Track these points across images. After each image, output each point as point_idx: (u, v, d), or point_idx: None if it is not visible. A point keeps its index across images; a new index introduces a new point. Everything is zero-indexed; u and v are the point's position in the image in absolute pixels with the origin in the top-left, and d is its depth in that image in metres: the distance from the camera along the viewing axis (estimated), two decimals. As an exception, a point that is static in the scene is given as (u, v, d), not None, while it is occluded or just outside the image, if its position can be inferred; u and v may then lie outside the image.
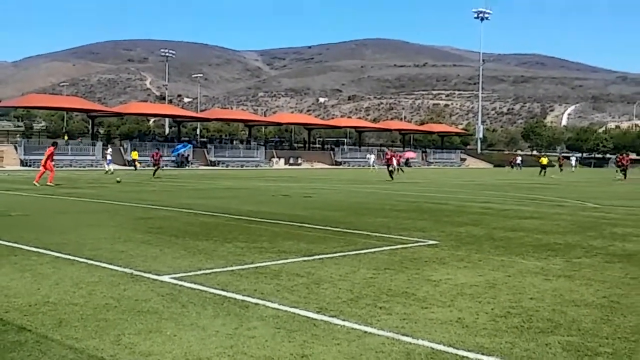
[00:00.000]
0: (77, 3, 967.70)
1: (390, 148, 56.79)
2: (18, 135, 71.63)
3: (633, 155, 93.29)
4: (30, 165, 52.01)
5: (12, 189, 22.98)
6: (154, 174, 36.51)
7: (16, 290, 6.33)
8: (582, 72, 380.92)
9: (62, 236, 10.19)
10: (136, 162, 50.86)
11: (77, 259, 8.10)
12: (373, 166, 58.70)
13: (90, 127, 71.45)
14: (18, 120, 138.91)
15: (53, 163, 27.99)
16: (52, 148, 28.69)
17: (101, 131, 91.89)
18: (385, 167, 38.48)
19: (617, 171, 49.30)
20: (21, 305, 5.72)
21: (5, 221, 12.35)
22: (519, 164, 75.56)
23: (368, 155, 60.40)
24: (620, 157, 49.70)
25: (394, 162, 37.65)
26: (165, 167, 50.44)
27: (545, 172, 52.27)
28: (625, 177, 42.47)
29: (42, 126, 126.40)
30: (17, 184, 26.56)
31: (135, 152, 52.99)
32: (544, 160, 55.70)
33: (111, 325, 5.12)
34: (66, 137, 65.68)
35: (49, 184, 25.49)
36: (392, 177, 35.65)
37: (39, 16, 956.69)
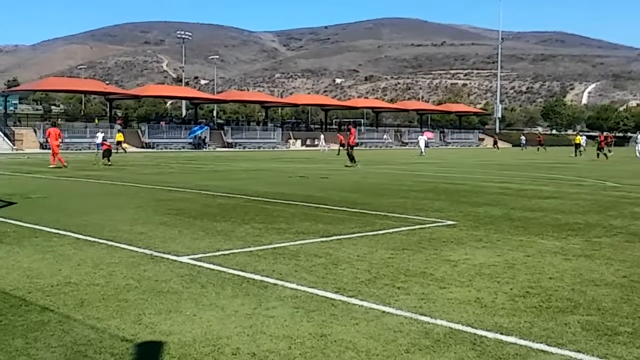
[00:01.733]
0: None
1: (348, 125, 49.45)
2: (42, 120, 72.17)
3: None
4: (49, 148, 52.51)
5: (32, 172, 23.23)
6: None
7: (38, 271, 6.42)
8: (603, 50, 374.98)
9: (82, 218, 10.30)
10: (123, 145, 47.50)
11: (97, 240, 8.19)
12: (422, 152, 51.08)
13: (107, 109, 71.82)
14: (37, 104, 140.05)
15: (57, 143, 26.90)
16: (52, 129, 27.90)
17: (119, 114, 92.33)
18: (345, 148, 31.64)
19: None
20: (43, 285, 5.81)
21: (25, 203, 12.50)
22: (524, 143, 72.74)
23: (420, 137, 55.23)
24: (602, 136, 47.82)
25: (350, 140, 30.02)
26: (182, 149, 50.58)
27: (580, 152, 47.86)
28: (606, 157, 39.93)
29: (61, 109, 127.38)
30: (36, 167, 26.84)
31: (121, 134, 49.46)
32: (579, 139, 52.37)
33: (132, 306, 5.18)
34: (96, 120, 66.04)
35: (51, 166, 25.42)
36: (352, 161, 28.88)
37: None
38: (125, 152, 46.58)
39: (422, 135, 58.50)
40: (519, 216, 11.04)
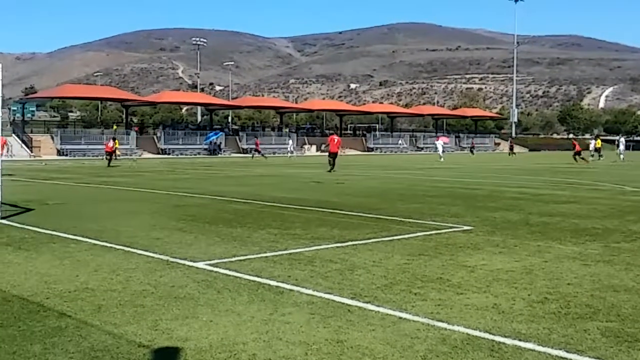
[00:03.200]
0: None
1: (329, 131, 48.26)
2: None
3: None
4: (66, 155, 53.01)
5: (49, 178, 23.44)
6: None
7: (56, 277, 6.46)
8: (620, 53, 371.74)
9: (99, 224, 10.36)
10: (116, 151, 44.51)
11: (114, 246, 8.23)
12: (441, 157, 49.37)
13: (124, 116, 72.36)
14: (54, 111, 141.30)
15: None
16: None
17: (135, 120, 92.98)
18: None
19: (592, 155, 48.30)
20: (61, 291, 5.84)
21: (43, 210, 12.60)
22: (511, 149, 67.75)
23: (437, 142, 53.81)
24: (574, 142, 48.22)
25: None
26: (197, 155, 50.80)
27: (600, 155, 47.30)
28: (585, 161, 39.75)
29: (77, 116, 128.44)
30: (54, 173, 27.08)
31: (117, 141, 46.16)
32: (599, 143, 52.44)
33: (148, 311, 5.20)
34: (115, 127, 66.54)
35: None
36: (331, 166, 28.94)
37: (73, 7, 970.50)
38: (117, 158, 46.43)
39: (437, 140, 57.46)
40: (537, 221, 10.95)
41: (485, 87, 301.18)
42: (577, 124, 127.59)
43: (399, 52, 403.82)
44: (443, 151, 59.89)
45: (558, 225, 10.42)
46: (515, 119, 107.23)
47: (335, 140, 30.98)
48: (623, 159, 46.21)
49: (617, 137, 67.63)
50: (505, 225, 10.38)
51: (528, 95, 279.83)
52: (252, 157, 51.34)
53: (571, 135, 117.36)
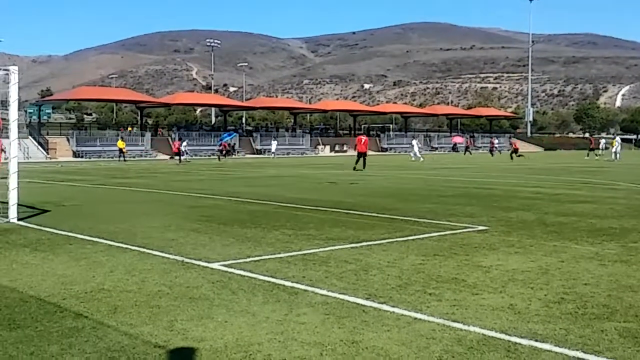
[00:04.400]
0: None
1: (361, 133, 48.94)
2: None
3: None
4: (82, 157, 53.42)
5: (66, 180, 23.63)
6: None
7: (72, 278, 6.51)
8: (636, 51, 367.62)
9: (114, 225, 10.43)
10: (123, 152, 48.43)
11: (129, 247, 8.28)
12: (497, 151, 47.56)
13: (139, 117, 72.79)
14: (70, 113, 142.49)
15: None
16: None
17: (149, 122, 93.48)
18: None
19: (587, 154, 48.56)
20: (77, 292, 5.89)
21: (59, 211, 12.70)
22: (497, 148, 65.21)
23: (414, 141, 53.16)
24: (514, 142, 48.12)
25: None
26: (212, 156, 50.97)
27: (617, 155, 47.24)
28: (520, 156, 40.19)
29: (93, 118, 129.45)
30: (70, 175, 27.30)
31: (122, 142, 49.88)
32: (615, 143, 52.57)
33: (164, 312, 5.22)
34: (130, 128, 67.07)
35: None
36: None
37: (88, 10, 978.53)
38: (125, 160, 47.08)
39: (414, 139, 55.16)
40: (552, 221, 10.87)
41: (500, 87, 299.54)
42: (593, 123, 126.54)
43: (413, 52, 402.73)
44: (456, 150, 59.60)
45: (574, 225, 10.34)
46: (531, 118, 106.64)
47: (363, 140, 31.83)
48: (619, 158, 46.04)
49: (633, 137, 66.81)
50: (521, 225, 10.31)
51: (543, 94, 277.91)
52: (219, 159, 49.24)
53: (587, 135, 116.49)
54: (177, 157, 42.66)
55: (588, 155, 51.10)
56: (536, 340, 4.48)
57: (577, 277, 6.49)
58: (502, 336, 4.58)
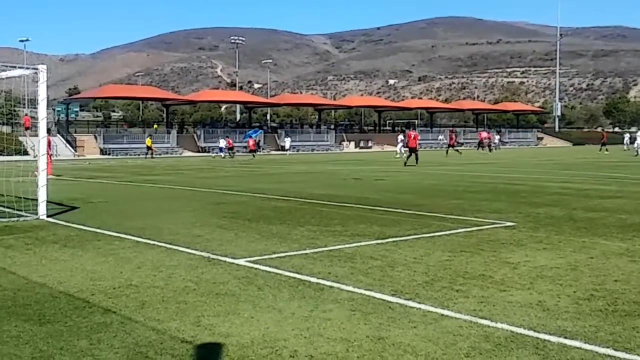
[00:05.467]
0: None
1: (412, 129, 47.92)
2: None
3: None
4: (109, 154, 54.04)
5: (93, 177, 23.92)
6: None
7: (101, 273, 6.59)
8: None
9: (141, 221, 10.53)
10: (151, 150, 49.40)
11: (156, 243, 8.35)
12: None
13: (164, 115, 73.39)
14: (97, 111, 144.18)
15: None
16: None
17: (175, 119, 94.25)
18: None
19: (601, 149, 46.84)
20: (106, 288, 5.95)
21: (88, 208, 12.87)
22: (495, 143, 65.00)
23: (399, 137, 49.75)
24: (452, 136, 47.25)
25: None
26: (237, 153, 51.25)
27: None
28: (459, 153, 39.76)
29: (119, 115, 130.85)
30: (97, 172, 27.64)
31: (149, 139, 50.74)
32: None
33: (191, 308, 5.25)
34: (156, 126, 67.71)
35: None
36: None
37: (114, 9, 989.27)
38: (153, 157, 47.68)
39: (401, 135, 52.74)
40: (581, 217, 10.72)
41: (527, 81, 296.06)
42: (623, 117, 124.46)
43: (438, 47, 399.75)
44: (482, 146, 58.74)
45: (604, 221, 10.17)
46: (559, 113, 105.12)
47: (413, 135, 32.43)
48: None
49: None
50: (549, 221, 10.18)
51: (572, 88, 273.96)
52: (224, 157, 49.05)
53: (617, 129, 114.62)
54: (252, 153, 46.96)
55: (600, 150, 50.23)
56: (565, 338, 4.42)
57: (607, 274, 6.39)
58: (531, 333, 4.52)
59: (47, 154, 24.08)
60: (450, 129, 75.25)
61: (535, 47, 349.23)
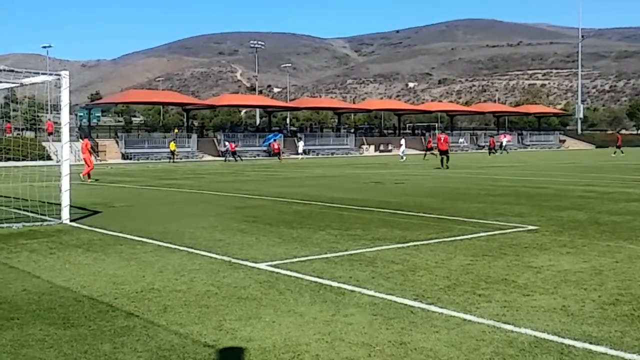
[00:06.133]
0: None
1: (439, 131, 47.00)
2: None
3: None
4: (130, 158, 54.50)
5: (115, 181, 24.14)
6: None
7: (123, 278, 6.63)
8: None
9: (163, 225, 10.60)
10: (174, 154, 50.79)
11: (178, 247, 8.40)
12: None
13: (185, 119, 73.88)
14: (118, 116, 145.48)
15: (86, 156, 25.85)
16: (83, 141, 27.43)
17: (195, 123, 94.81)
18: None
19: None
20: (128, 292, 6.00)
21: (110, 212, 12.98)
22: (503, 147, 64.40)
23: (402, 141, 47.23)
24: (429, 139, 47.29)
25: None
26: (257, 157, 51.48)
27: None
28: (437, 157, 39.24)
29: (141, 120, 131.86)
30: (119, 177, 27.89)
31: (173, 143, 52.42)
32: None
33: (213, 312, 5.27)
34: (176, 130, 68.26)
35: (84, 178, 23.91)
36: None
37: (135, 15, 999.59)
38: (175, 161, 48.32)
39: (403, 139, 51.26)
40: (606, 220, 10.58)
41: (549, 83, 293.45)
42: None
43: (458, 49, 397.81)
44: (504, 149, 58.31)
45: (629, 225, 10.03)
46: (581, 115, 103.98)
47: (443, 138, 32.70)
48: None
49: None
50: (573, 225, 10.07)
51: (594, 90, 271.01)
52: (225, 160, 50.96)
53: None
54: (278, 156, 49.62)
55: (614, 153, 49.57)
56: (591, 343, 4.36)
57: (633, 278, 6.30)
58: (555, 338, 4.47)
59: (88, 157, 24.96)
60: (427, 133, 74.64)
61: (556, 48, 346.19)
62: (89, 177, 24.14)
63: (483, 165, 34.32)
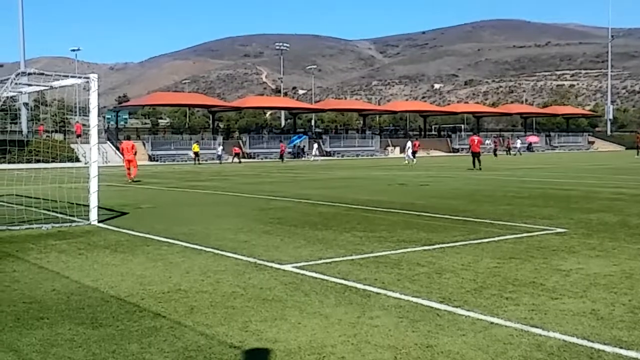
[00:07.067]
0: (195, 2, 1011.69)
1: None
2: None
3: None
4: (157, 160, 55.03)
5: (142, 183, 24.37)
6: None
7: (150, 278, 6.70)
8: None
9: (189, 227, 10.68)
10: (198, 156, 51.22)
11: (204, 248, 8.45)
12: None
13: (210, 122, 74.40)
14: (145, 118, 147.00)
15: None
16: (127, 143, 27.54)
17: (221, 125, 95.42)
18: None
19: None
20: (155, 292, 6.05)
21: (137, 213, 13.12)
22: (517, 147, 65.07)
23: (408, 143, 45.24)
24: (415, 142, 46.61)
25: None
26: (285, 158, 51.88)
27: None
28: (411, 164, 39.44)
29: (167, 122, 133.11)
30: (145, 178, 28.16)
31: (197, 145, 52.85)
32: None
33: (238, 313, 5.29)
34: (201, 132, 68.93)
35: (130, 179, 24.66)
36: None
37: (161, 18, 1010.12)
38: (200, 163, 48.96)
39: (409, 142, 48.85)
40: (636, 223, 10.40)
41: (578, 84, 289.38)
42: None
43: (485, 50, 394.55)
44: (531, 150, 57.57)
45: (660, 227, 9.85)
46: (611, 116, 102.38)
47: (476, 140, 32.97)
48: None
49: None
50: (602, 228, 9.91)
51: (624, 90, 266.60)
52: (220, 162, 51.46)
53: None
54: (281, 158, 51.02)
55: (638, 154, 48.56)
56: (621, 348, 4.29)
57: (665, 282, 6.17)
58: (584, 342, 4.40)
59: (132, 158, 25.37)
60: (412, 136, 73.72)
61: (585, 49, 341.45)
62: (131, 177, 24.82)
63: (510, 167, 33.98)
